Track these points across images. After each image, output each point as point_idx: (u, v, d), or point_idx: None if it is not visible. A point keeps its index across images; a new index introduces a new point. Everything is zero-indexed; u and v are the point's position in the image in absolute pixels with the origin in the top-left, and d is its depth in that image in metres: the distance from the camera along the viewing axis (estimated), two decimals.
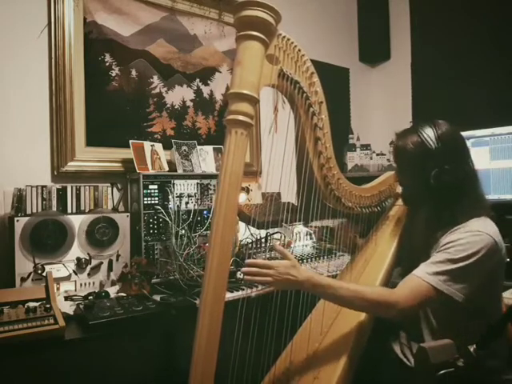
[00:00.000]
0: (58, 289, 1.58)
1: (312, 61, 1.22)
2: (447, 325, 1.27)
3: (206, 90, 2.41)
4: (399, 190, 1.64)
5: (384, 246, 1.50)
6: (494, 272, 1.24)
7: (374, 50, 3.29)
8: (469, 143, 1.62)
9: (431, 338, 1.29)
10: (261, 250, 2.00)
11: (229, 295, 1.57)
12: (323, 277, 1.25)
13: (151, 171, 1.92)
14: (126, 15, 2.10)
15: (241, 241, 2.02)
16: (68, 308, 1.47)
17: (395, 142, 1.41)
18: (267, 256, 1.92)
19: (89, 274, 1.67)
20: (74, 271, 1.64)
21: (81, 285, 1.65)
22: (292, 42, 1.15)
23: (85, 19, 1.97)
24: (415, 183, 1.35)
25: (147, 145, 2.00)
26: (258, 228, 1.99)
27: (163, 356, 1.68)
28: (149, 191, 1.81)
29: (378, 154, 2.92)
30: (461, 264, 1.17)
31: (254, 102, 1.01)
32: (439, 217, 1.31)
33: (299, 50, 1.17)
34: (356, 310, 1.26)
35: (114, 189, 1.96)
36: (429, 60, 2.95)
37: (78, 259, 1.65)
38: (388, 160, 2.89)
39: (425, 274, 1.19)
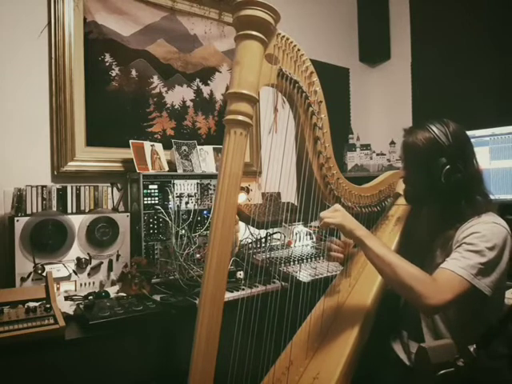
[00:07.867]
0: (58, 289, 1.58)
1: (312, 61, 1.22)
2: (450, 324, 1.26)
3: (206, 90, 2.41)
4: (399, 189, 1.64)
5: None
6: (507, 266, 1.21)
7: (374, 49, 3.29)
8: None
9: (431, 337, 1.29)
10: (261, 250, 2.00)
11: (228, 295, 1.57)
12: (362, 231, 1.20)
13: (151, 171, 1.92)
14: (126, 15, 2.10)
15: (241, 241, 2.03)
16: (68, 308, 1.47)
17: (404, 139, 1.37)
18: (267, 256, 1.92)
19: (89, 274, 1.68)
20: (73, 271, 1.64)
21: (81, 285, 1.66)
22: (291, 42, 1.14)
23: (85, 19, 1.97)
24: (423, 180, 1.32)
25: (147, 145, 2.00)
26: (258, 228, 1.99)
27: (163, 356, 1.68)
28: (149, 191, 1.81)
29: (378, 154, 2.92)
30: (487, 255, 1.14)
31: (253, 101, 1.00)
32: (445, 215, 1.30)
33: (298, 50, 1.17)
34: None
35: (114, 189, 1.96)
36: (429, 60, 2.94)
37: (78, 259, 1.65)
38: (388, 160, 2.89)
39: (457, 268, 1.13)
